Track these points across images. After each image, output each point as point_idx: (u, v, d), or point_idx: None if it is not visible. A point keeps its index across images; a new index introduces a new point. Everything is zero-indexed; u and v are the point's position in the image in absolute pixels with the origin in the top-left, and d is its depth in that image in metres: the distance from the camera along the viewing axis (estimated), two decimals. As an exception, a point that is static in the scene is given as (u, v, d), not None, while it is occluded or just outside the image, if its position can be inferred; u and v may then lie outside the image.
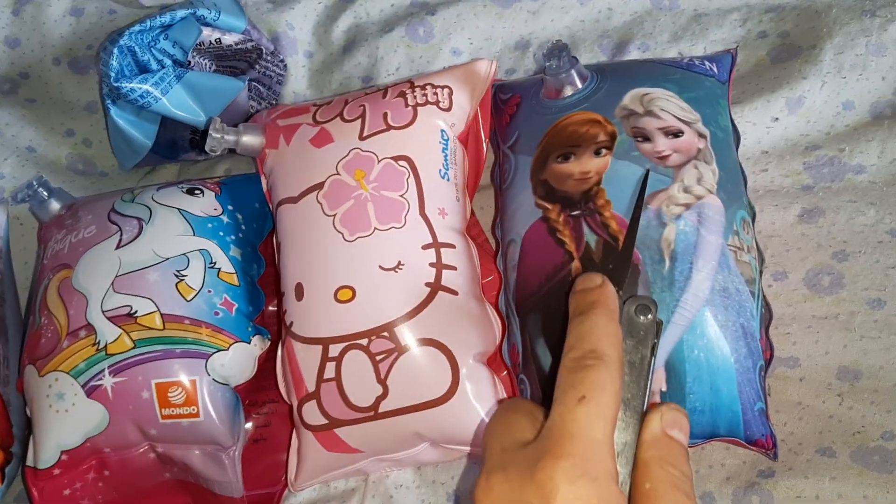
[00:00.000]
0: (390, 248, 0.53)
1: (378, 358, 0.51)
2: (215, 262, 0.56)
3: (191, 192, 0.60)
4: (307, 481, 0.55)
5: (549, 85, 0.57)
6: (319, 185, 0.55)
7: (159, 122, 0.67)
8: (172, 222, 0.57)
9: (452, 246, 0.54)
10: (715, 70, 0.57)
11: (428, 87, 0.58)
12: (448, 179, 0.57)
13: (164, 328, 0.53)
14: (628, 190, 0.52)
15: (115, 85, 0.60)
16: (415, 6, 0.73)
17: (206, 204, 0.59)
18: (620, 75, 0.57)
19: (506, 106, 0.60)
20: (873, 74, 0.62)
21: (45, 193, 0.62)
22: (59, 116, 0.76)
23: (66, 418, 0.52)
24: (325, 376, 0.52)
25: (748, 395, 0.49)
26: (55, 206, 0.62)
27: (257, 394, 0.59)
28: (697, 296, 0.49)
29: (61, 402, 0.52)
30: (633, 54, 0.68)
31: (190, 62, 0.66)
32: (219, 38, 0.66)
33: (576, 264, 0.51)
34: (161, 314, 0.53)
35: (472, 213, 0.65)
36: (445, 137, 0.57)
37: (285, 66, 0.73)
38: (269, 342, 0.57)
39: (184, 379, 0.52)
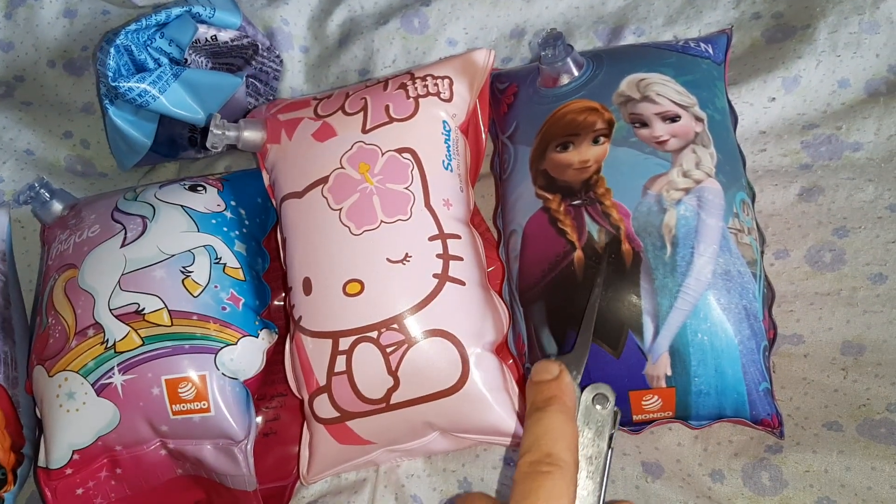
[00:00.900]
0: (397, 240, 0.53)
1: (388, 350, 0.51)
2: (221, 258, 0.56)
3: (193, 188, 0.60)
4: (319, 474, 0.55)
5: (546, 74, 0.58)
6: (324, 180, 0.55)
7: (158, 121, 0.67)
8: (176, 219, 0.57)
9: (458, 237, 0.55)
10: (710, 51, 0.58)
11: (428, 78, 0.58)
12: (451, 170, 0.57)
13: (172, 324, 0.53)
14: (629, 177, 0.52)
15: (113, 84, 0.60)
16: (409, -3, 0.73)
17: (209, 200, 0.59)
18: (616, 61, 0.57)
19: (503, 95, 0.61)
20: (867, 52, 0.62)
21: (48, 195, 0.62)
22: (56, 118, 0.76)
23: (77, 417, 0.52)
24: (336, 370, 0.52)
25: (753, 376, 0.50)
26: (57, 207, 0.62)
27: (266, 388, 0.59)
28: (700, 280, 0.49)
29: (72, 402, 0.52)
30: (629, 39, 0.68)
31: (186, 60, 0.66)
32: (214, 35, 0.66)
33: (578, 254, 0.51)
34: (168, 311, 0.53)
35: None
36: (447, 128, 0.57)
37: (281, 61, 0.73)
38: (277, 336, 0.57)
39: (193, 374, 0.52)
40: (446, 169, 0.56)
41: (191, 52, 0.66)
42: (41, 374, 0.54)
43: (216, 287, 0.55)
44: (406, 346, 0.51)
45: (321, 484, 0.58)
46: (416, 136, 0.56)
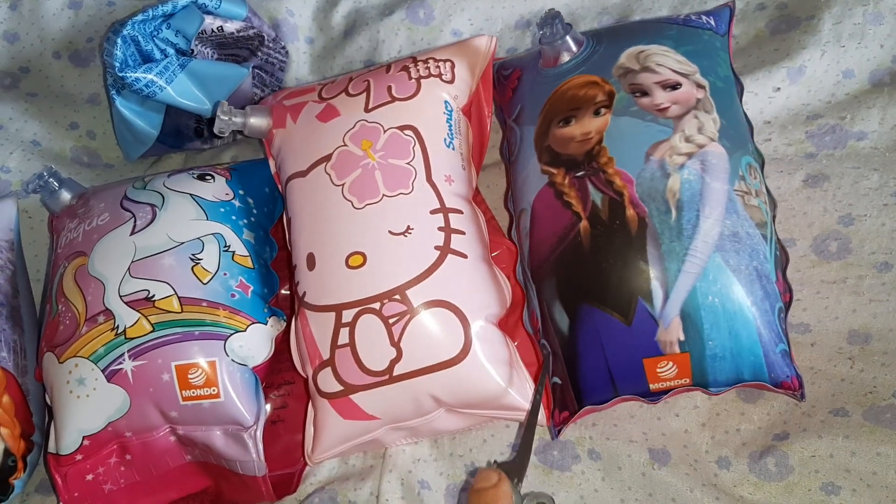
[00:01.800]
0: (399, 213, 0.54)
1: (391, 321, 0.51)
2: (229, 246, 0.56)
3: (202, 177, 0.60)
4: (324, 452, 0.55)
5: (547, 53, 0.58)
6: (327, 157, 0.56)
7: (164, 112, 0.67)
8: (185, 207, 0.57)
9: (460, 211, 0.55)
10: (713, 23, 0.58)
11: (430, 61, 0.59)
12: (453, 148, 0.57)
13: (182, 311, 0.53)
14: (630, 144, 0.52)
15: (120, 75, 0.61)
16: (414, -11, 0.74)
17: (218, 189, 0.60)
18: (616, 37, 0.58)
19: (508, 81, 0.61)
20: (872, 42, 0.62)
21: (56, 184, 0.62)
22: (62, 109, 0.76)
23: (88, 403, 0.53)
24: (340, 342, 0.52)
25: (769, 338, 0.49)
26: (66, 196, 0.62)
27: (273, 376, 0.60)
28: (707, 242, 0.49)
29: (82, 388, 0.53)
30: (634, 30, 0.68)
31: (193, 51, 0.67)
32: (220, 26, 0.66)
33: (584, 224, 0.52)
34: (178, 297, 0.53)
35: (478, 191, 0.65)
36: (449, 108, 0.58)
37: (287, 52, 0.73)
38: (285, 323, 0.57)
39: (203, 360, 0.53)
40: (448, 147, 0.57)
41: (197, 42, 0.67)
42: (51, 361, 0.54)
43: (225, 274, 0.55)
44: (408, 316, 0.52)
45: (329, 470, 0.58)
46: (417, 114, 0.57)
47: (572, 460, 0.56)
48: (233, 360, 0.53)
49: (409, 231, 0.53)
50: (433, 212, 0.54)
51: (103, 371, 0.52)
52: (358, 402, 0.53)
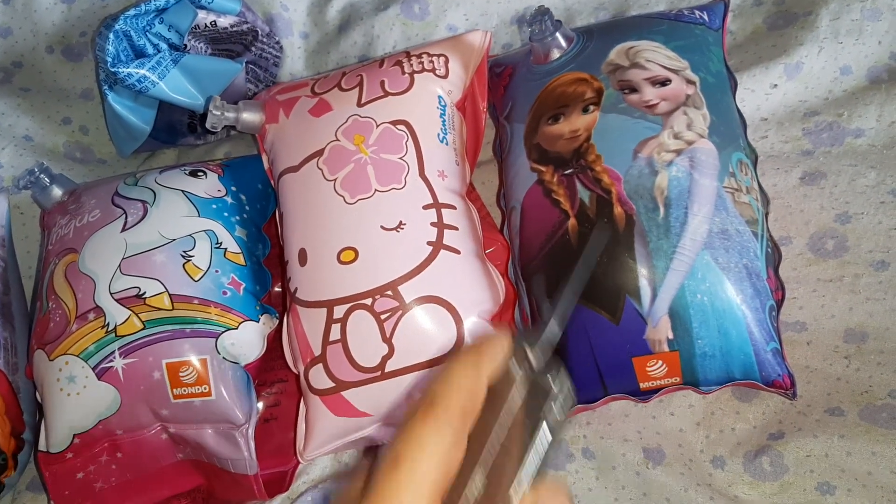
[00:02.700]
0: (391, 208, 0.53)
1: (383, 317, 0.51)
2: (221, 243, 0.56)
3: (194, 174, 0.60)
4: (316, 450, 0.55)
5: (537, 50, 0.58)
6: (319, 152, 0.56)
7: (157, 107, 0.67)
8: (177, 204, 0.57)
9: (453, 207, 0.55)
10: (706, 18, 0.58)
11: (424, 55, 0.59)
12: (447, 144, 0.57)
13: (173, 308, 0.53)
14: (618, 142, 0.52)
15: (112, 70, 0.60)
16: (409, -16, 0.73)
17: (210, 185, 0.59)
18: (606, 32, 0.57)
19: (500, 78, 0.61)
20: (869, 39, 0.62)
21: (47, 180, 0.62)
22: (55, 104, 0.76)
23: (78, 401, 0.52)
24: (331, 338, 0.52)
25: (759, 336, 0.49)
26: (57, 192, 0.62)
27: (266, 374, 0.59)
28: (695, 240, 0.49)
29: (72, 385, 0.52)
30: (630, 25, 0.68)
31: (186, 46, 0.66)
32: (214, 21, 0.66)
33: (572, 222, 0.51)
34: (169, 294, 0.53)
35: (473, 187, 0.65)
36: (443, 103, 0.58)
37: (281, 47, 0.73)
38: (278, 321, 0.57)
39: (194, 358, 0.52)
40: (441, 142, 0.57)
41: (190, 37, 0.66)
42: (42, 359, 0.54)
43: (217, 272, 0.55)
44: (400, 312, 0.51)
45: (321, 469, 0.58)
46: (410, 109, 0.56)
47: (566, 459, 0.56)
48: (224, 358, 0.53)
49: (402, 226, 0.53)
50: (426, 207, 0.54)
51: (94, 369, 0.52)
52: (349, 399, 0.52)
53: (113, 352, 0.52)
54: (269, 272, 0.59)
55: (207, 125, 0.58)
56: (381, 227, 0.53)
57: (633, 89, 0.53)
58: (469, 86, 0.60)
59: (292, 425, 0.58)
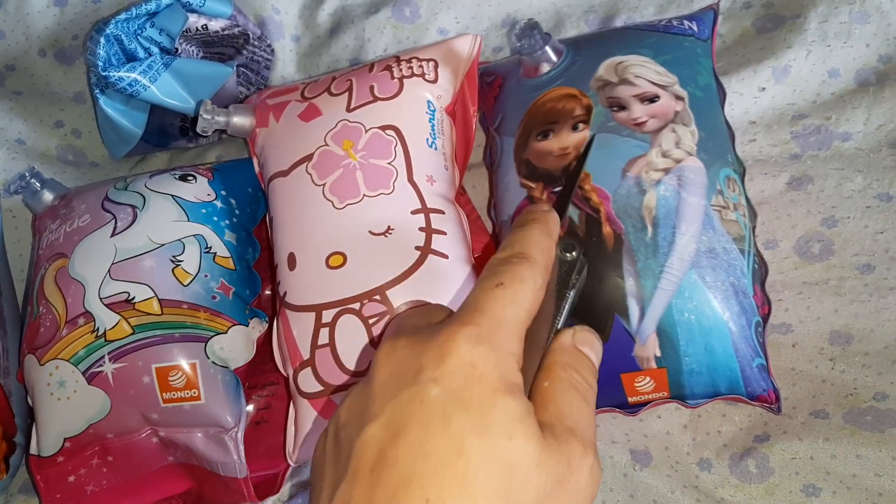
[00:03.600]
0: (379, 213, 0.53)
1: (371, 321, 0.51)
2: (211, 247, 0.56)
3: (183, 178, 0.60)
4: (306, 452, 0.55)
5: (526, 64, 0.58)
6: (308, 157, 0.56)
7: (149, 111, 0.67)
8: (166, 208, 0.57)
9: (441, 212, 0.55)
10: (695, 28, 0.58)
11: (413, 60, 0.59)
12: (436, 149, 0.57)
13: (163, 313, 0.53)
14: (607, 160, 0.52)
15: (103, 74, 0.60)
16: (400, -13, 0.73)
17: (200, 190, 0.59)
18: (595, 46, 0.57)
19: (490, 88, 0.61)
20: (857, 42, 0.62)
21: (38, 184, 0.62)
22: (47, 108, 0.76)
23: (68, 405, 0.53)
24: (319, 342, 0.52)
25: (745, 353, 0.50)
26: (48, 196, 0.62)
27: (257, 377, 0.60)
28: (683, 259, 0.49)
29: (63, 390, 0.53)
30: (620, 29, 0.68)
31: (177, 49, 0.66)
32: (205, 25, 0.66)
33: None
34: (159, 299, 0.53)
35: (465, 191, 0.65)
36: (432, 108, 0.58)
37: (272, 50, 0.73)
38: (267, 325, 0.57)
39: (183, 362, 0.52)
40: (430, 147, 0.57)
41: (181, 41, 0.66)
42: (32, 363, 0.54)
43: (206, 276, 0.55)
44: (388, 317, 0.51)
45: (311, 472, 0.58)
46: (399, 114, 0.57)
47: (554, 461, 0.56)
48: (213, 363, 0.53)
49: (390, 231, 0.53)
50: (414, 212, 0.54)
51: (84, 373, 0.52)
52: (338, 402, 0.53)
53: (103, 356, 0.52)
54: (258, 276, 0.59)
55: (198, 129, 0.59)
56: (370, 231, 0.53)
57: (622, 106, 0.53)
58: (459, 90, 0.60)
59: (283, 428, 0.58)
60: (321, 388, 0.53)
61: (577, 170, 0.51)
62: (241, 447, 0.54)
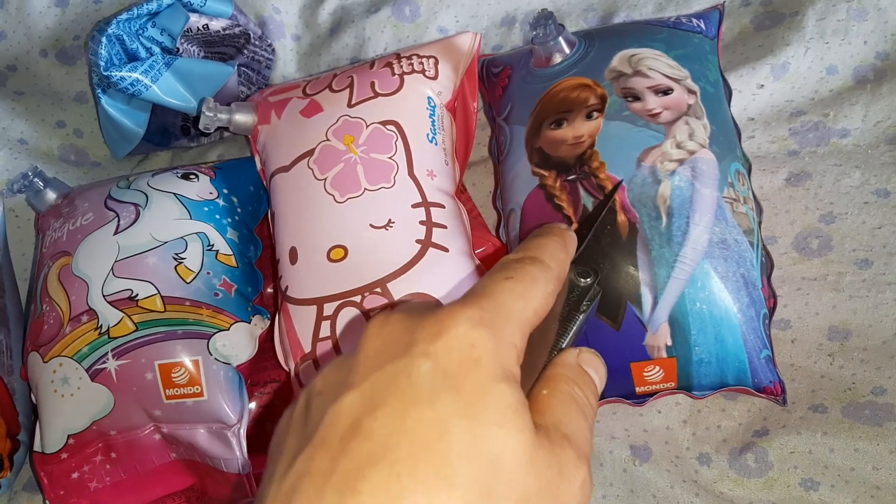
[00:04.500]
0: (380, 207, 0.54)
1: (372, 314, 0.52)
2: (213, 245, 0.57)
3: (186, 176, 0.60)
4: None
5: (538, 54, 0.58)
6: (310, 152, 0.56)
7: (150, 110, 0.67)
8: (169, 207, 0.57)
9: (442, 206, 0.55)
10: (703, 26, 0.58)
11: (414, 57, 0.59)
12: (436, 144, 0.58)
13: (166, 310, 0.53)
14: (622, 150, 0.52)
15: (105, 74, 0.61)
16: (400, -14, 0.74)
17: (202, 188, 0.60)
18: (608, 38, 0.58)
19: (497, 79, 0.61)
20: (855, 39, 0.62)
21: (41, 184, 0.62)
22: (49, 108, 0.76)
23: (72, 402, 0.53)
24: (321, 335, 0.53)
25: (753, 344, 0.50)
26: (51, 195, 0.62)
27: (259, 374, 0.60)
28: (696, 249, 0.49)
29: (66, 387, 0.53)
30: (619, 27, 0.68)
31: (178, 49, 0.67)
32: (206, 24, 0.66)
33: (575, 227, 0.52)
34: (162, 296, 0.54)
35: (465, 188, 0.66)
36: (432, 104, 0.58)
37: (273, 49, 0.74)
38: (269, 322, 0.58)
39: (186, 359, 0.53)
40: (430, 142, 0.57)
41: (182, 41, 0.67)
42: (36, 360, 0.54)
43: (208, 273, 0.55)
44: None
45: (314, 468, 0.59)
46: (400, 109, 0.57)
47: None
48: (216, 359, 0.54)
49: (391, 225, 0.53)
50: (415, 206, 0.55)
51: (87, 370, 0.53)
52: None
53: (106, 353, 0.52)
54: (260, 273, 0.60)
55: (200, 126, 0.59)
56: (371, 225, 0.53)
57: (637, 97, 0.54)
58: (459, 87, 0.60)
59: (285, 425, 0.59)
60: None
61: (603, 206, 0.50)
62: (244, 443, 0.54)
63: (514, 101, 0.58)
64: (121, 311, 0.53)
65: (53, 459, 0.54)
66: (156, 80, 0.63)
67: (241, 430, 0.54)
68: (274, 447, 0.31)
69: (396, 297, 0.52)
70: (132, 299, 0.53)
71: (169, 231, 0.56)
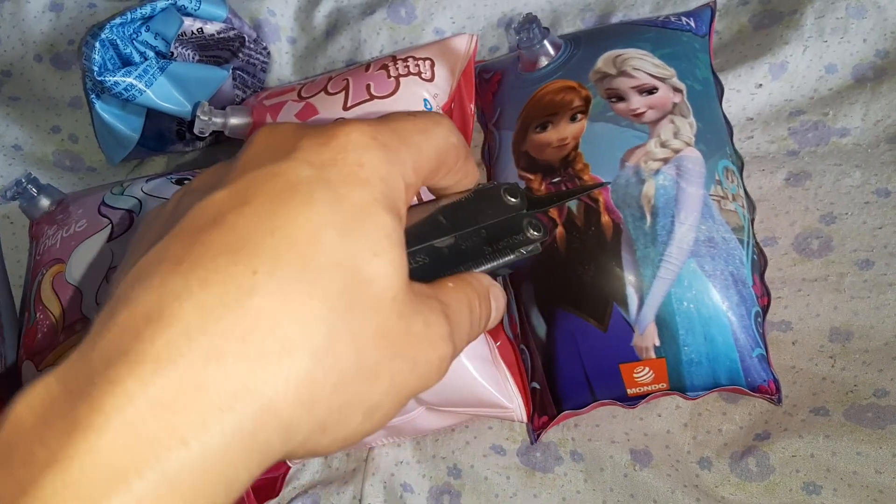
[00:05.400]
0: None
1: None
2: (207, 251, 0.56)
3: (180, 182, 0.60)
4: None
5: (525, 58, 0.58)
6: None
7: (145, 115, 0.67)
8: (163, 213, 0.57)
9: None
10: (692, 24, 0.58)
11: (410, 59, 0.59)
12: None
13: (160, 318, 0.53)
14: (606, 150, 0.52)
15: (99, 79, 0.60)
16: (396, -12, 0.73)
17: (196, 193, 0.59)
18: (594, 40, 0.58)
19: (488, 84, 0.61)
20: (854, 37, 0.62)
21: (35, 190, 0.62)
22: (44, 113, 0.76)
23: (67, 412, 0.52)
24: None
25: (745, 343, 0.49)
26: (45, 202, 0.62)
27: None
28: (681, 248, 0.49)
29: (61, 396, 0.52)
30: (616, 27, 0.68)
31: (173, 53, 0.66)
32: (200, 28, 0.66)
33: (559, 230, 0.51)
34: (156, 304, 0.53)
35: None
36: (429, 106, 0.58)
37: (268, 53, 0.73)
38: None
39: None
40: None
41: (177, 45, 0.66)
42: (30, 370, 0.54)
43: (203, 280, 0.55)
44: None
45: (311, 474, 0.58)
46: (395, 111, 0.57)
47: (555, 462, 0.56)
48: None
49: None
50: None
51: (82, 379, 0.52)
52: None
53: (100, 362, 0.52)
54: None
55: (195, 130, 0.59)
56: None
57: (621, 98, 0.53)
58: (455, 89, 0.60)
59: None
60: None
61: (580, 190, 0.50)
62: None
63: (503, 105, 0.58)
64: (115, 319, 0.53)
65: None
66: (150, 85, 0.62)
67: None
68: (133, 240, 0.29)
69: None
70: (126, 307, 0.53)
71: (163, 238, 0.55)
